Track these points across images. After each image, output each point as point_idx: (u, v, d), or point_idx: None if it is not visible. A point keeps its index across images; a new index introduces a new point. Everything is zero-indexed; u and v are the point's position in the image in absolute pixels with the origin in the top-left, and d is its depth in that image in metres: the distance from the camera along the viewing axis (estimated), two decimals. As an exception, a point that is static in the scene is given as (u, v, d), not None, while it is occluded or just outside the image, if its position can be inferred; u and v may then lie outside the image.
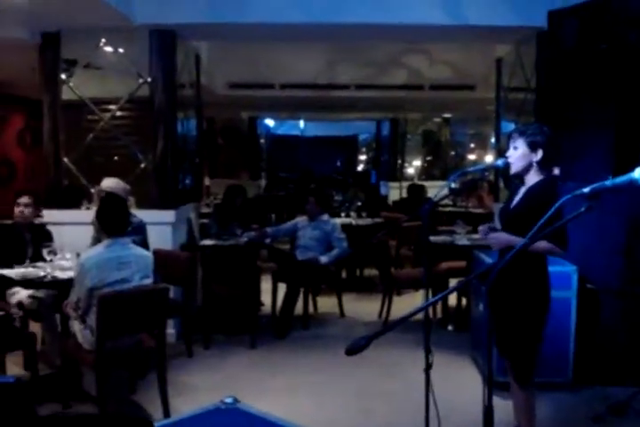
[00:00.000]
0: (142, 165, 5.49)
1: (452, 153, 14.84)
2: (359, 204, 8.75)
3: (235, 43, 6.98)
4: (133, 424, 1.27)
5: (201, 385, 4.38)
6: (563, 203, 1.86)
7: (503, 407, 3.24)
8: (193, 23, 5.08)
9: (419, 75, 8.34)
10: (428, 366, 2.90)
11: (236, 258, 5.69)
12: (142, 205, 5.33)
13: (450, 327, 5.86)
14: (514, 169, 3.06)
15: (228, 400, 1.78)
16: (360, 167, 19.09)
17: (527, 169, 3.05)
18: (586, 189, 1.82)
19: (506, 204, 3.29)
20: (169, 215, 5.39)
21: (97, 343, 3.55)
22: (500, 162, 3.08)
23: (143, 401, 4.04)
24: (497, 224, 3.42)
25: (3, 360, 4.24)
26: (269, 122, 17.08)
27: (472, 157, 15.01)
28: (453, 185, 3.28)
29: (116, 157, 5.65)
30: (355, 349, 1.92)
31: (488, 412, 1.90)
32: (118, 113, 5.51)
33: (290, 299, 5.81)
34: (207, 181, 13.24)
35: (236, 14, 4.96)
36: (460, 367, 4.66)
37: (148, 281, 3.78)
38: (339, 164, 19.38)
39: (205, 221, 6.79)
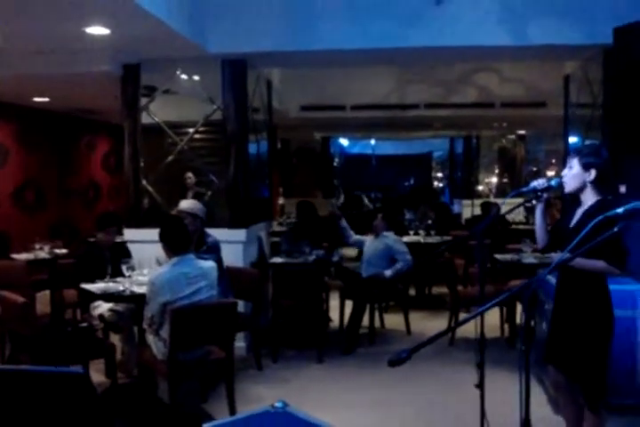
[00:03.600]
0: (215, 186, 5.79)
1: (534, 169, 14.61)
2: (429, 222, 8.77)
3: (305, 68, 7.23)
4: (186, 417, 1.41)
5: (268, 397, 4.53)
6: (597, 223, 1.93)
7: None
8: (262, 52, 5.33)
9: (489, 93, 8.36)
10: (482, 382, 2.96)
11: (305, 275, 5.86)
12: (215, 224, 5.59)
13: (521, 346, 5.80)
14: (567, 188, 3.10)
15: (278, 404, 1.91)
16: (436, 185, 19.03)
17: (581, 189, 3.07)
18: (619, 210, 1.89)
19: (562, 223, 3.31)
20: (240, 234, 5.63)
21: (169, 354, 3.78)
22: (553, 182, 3.11)
23: (213, 410, 4.22)
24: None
25: (87, 368, 4.55)
26: (344, 141, 17.34)
27: (551, 173, 14.73)
28: (532, 203, 3.33)
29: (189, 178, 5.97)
30: (396, 361, 2.04)
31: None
32: (194, 136, 5.84)
33: (356, 315, 5.93)
34: (282, 201, 13.59)
35: (303, 43, 5.18)
36: (524, 386, 4.62)
37: (215, 292, 4.01)
38: (412, 182, 19.39)
39: (277, 239, 7.02)
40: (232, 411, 3.98)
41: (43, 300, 6.63)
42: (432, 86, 8.32)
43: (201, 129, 5.85)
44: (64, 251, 6.96)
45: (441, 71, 7.67)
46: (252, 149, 6.17)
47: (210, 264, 4.13)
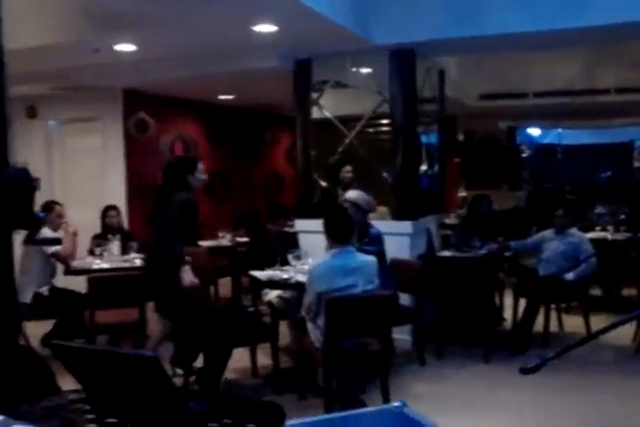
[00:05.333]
0: (383, 178, 5.79)
1: None
2: (622, 217, 8.04)
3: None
4: (263, 408, 1.42)
5: (427, 394, 4.46)
6: None
7: None
8: (430, 40, 5.20)
9: (694, 73, 7.44)
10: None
11: (474, 270, 5.65)
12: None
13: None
14: None
15: (397, 404, 1.86)
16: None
17: None
18: None
19: None
20: (406, 226, 5.58)
21: (324, 342, 3.86)
22: None
23: (370, 402, 4.23)
24: None
25: (254, 350, 4.80)
26: (534, 131, 16.46)
27: None
28: None
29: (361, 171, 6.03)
30: (529, 369, 1.89)
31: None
32: (362, 129, 5.88)
33: (529, 315, 5.61)
34: (464, 193, 13.25)
35: (470, 28, 4.97)
36: None
37: (372, 286, 3.99)
38: (610, 174, 17.87)
39: (449, 232, 6.86)
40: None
41: (226, 285, 7.12)
42: (624, 69, 7.57)
43: (370, 122, 5.87)
44: (245, 239, 7.38)
45: (634, 51, 6.94)
46: (423, 140, 6.09)
47: (369, 258, 4.11)
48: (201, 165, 4.83)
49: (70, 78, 6.58)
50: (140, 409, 1.20)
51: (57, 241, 4.74)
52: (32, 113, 7.72)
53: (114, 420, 1.23)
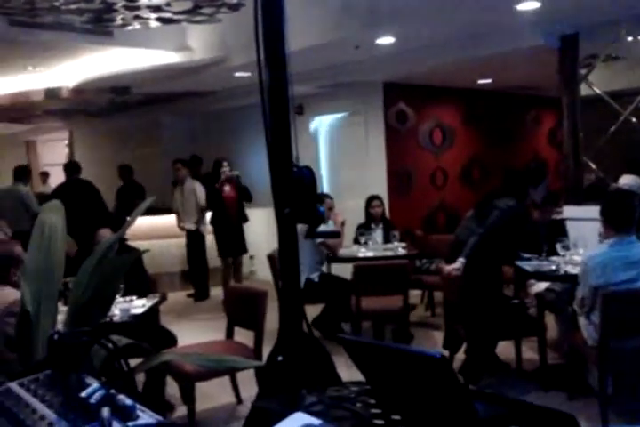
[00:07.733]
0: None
1: None
2: None
3: None
4: (557, 418, 1.31)
5: None
6: None
7: None
8: None
9: None
10: None
11: None
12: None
13: None
14: None
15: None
16: None
17: None
18: None
19: None
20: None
21: (600, 341, 3.56)
22: None
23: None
24: None
25: (519, 344, 4.61)
26: None
27: None
28: None
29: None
30: None
31: None
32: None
33: None
34: None
35: None
36: None
37: (658, 281, 3.57)
38: None
39: None
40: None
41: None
42: None
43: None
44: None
45: None
46: None
47: (646, 249, 3.70)
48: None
49: (333, 76, 6.93)
50: (425, 408, 1.20)
51: (336, 234, 4.96)
52: (300, 110, 8.29)
53: (398, 417, 1.25)
